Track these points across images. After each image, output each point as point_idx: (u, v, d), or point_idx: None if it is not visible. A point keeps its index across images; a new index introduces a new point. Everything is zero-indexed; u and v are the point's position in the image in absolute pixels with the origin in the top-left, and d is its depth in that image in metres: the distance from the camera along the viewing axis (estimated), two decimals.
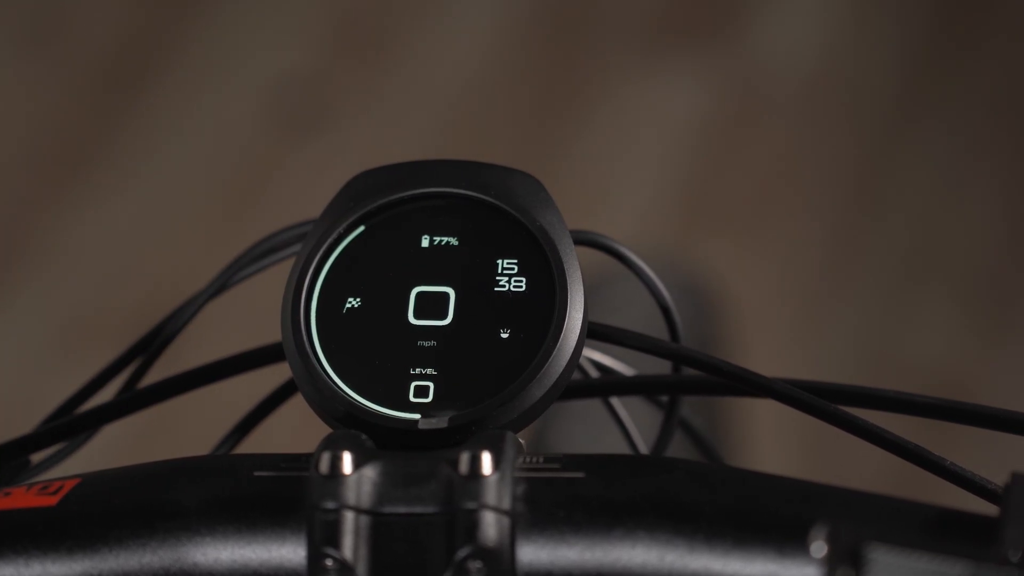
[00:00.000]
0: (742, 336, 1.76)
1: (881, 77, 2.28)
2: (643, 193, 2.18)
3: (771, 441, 1.82)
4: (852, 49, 2.31)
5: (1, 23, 2.32)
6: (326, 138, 2.21)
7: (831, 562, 0.53)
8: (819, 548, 0.54)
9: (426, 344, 0.63)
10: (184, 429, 1.73)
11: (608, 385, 0.74)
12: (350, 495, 0.58)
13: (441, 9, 2.33)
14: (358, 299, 0.64)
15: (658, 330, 0.72)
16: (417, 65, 2.29)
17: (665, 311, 0.73)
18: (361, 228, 0.65)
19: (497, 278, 0.64)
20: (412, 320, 0.64)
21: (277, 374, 0.72)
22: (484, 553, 0.58)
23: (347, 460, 0.59)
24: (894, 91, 2.27)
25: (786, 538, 0.57)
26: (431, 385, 0.62)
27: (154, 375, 0.72)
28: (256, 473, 0.60)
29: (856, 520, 0.57)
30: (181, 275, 2.06)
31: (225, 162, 2.21)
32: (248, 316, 1.72)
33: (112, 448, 1.23)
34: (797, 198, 2.18)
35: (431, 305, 0.64)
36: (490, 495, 0.58)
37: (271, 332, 0.68)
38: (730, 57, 2.28)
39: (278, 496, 0.59)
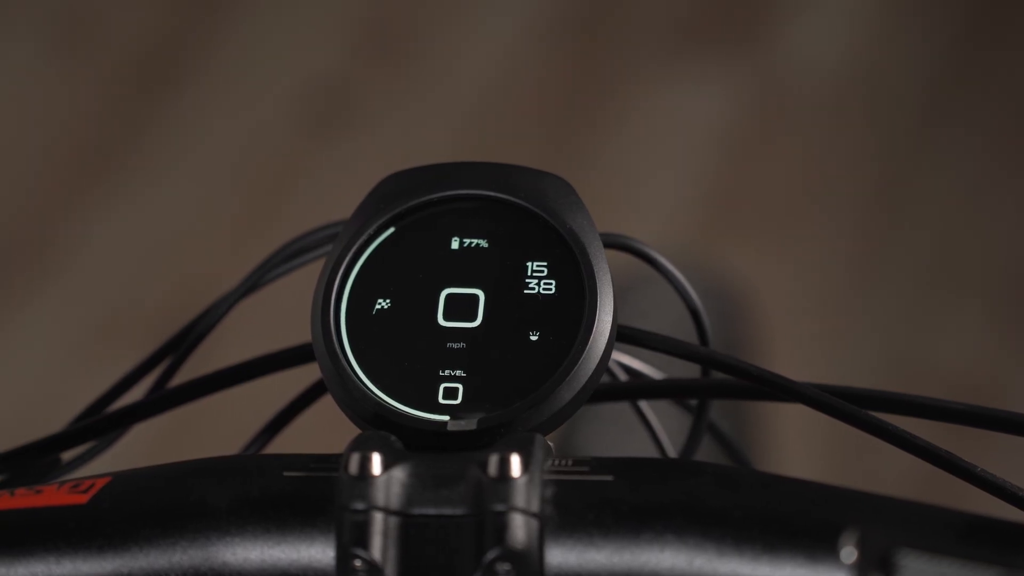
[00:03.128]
0: (766, 341, 1.76)
1: (908, 84, 2.28)
2: (668, 197, 2.18)
3: (797, 445, 1.81)
4: (879, 56, 2.30)
5: (34, 23, 2.32)
6: (353, 140, 2.22)
7: (862, 568, 0.53)
8: (849, 554, 0.54)
9: (455, 346, 0.63)
10: (212, 429, 1.73)
11: (637, 388, 0.74)
12: (379, 496, 0.58)
13: (468, 12, 2.33)
14: (388, 300, 0.64)
15: (685, 334, 0.72)
16: (443, 68, 2.29)
17: (695, 315, 0.73)
18: (391, 229, 0.65)
19: (527, 280, 0.64)
20: (442, 322, 0.64)
21: (307, 375, 0.72)
22: (513, 555, 0.58)
23: (376, 461, 0.59)
24: (921, 98, 2.27)
25: (816, 543, 0.57)
26: (460, 387, 0.62)
27: (183, 376, 0.73)
28: (286, 473, 0.60)
29: (887, 526, 0.57)
30: (209, 275, 2.06)
31: (253, 163, 2.21)
32: (276, 317, 1.72)
33: (141, 447, 1.23)
34: (823, 204, 2.17)
35: (461, 307, 0.64)
36: (519, 497, 0.58)
37: (298, 333, 0.68)
38: (756, 63, 2.28)
39: (307, 496, 0.59)
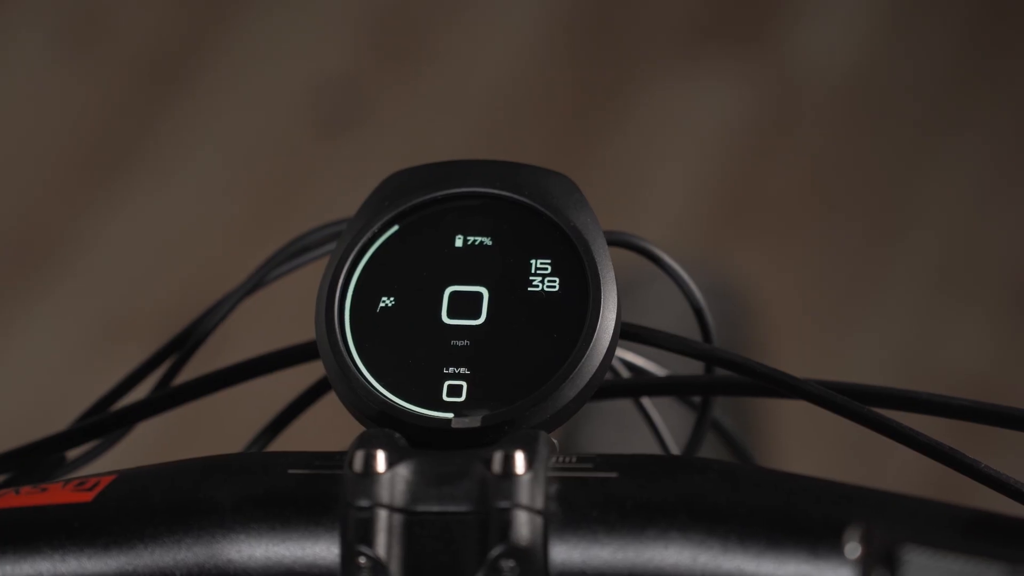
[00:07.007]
0: (771, 340, 1.76)
1: (917, 85, 2.28)
2: (675, 196, 2.18)
3: (801, 442, 1.81)
4: (888, 58, 2.30)
5: (43, 23, 2.32)
6: (361, 138, 2.22)
7: (866, 563, 0.53)
8: (854, 549, 0.54)
9: (459, 343, 0.63)
10: (215, 427, 1.73)
11: (640, 385, 0.74)
12: (384, 493, 0.58)
13: (477, 11, 2.33)
14: (392, 298, 0.64)
15: (687, 331, 0.72)
16: (452, 67, 2.29)
17: (698, 312, 0.73)
18: (395, 227, 0.66)
19: (531, 278, 0.64)
20: (446, 319, 0.64)
21: (310, 372, 0.72)
22: (517, 552, 0.58)
23: (381, 458, 0.59)
24: (930, 99, 2.27)
25: (820, 539, 0.57)
26: (464, 384, 0.62)
27: (187, 373, 0.73)
28: (290, 471, 0.60)
29: (891, 522, 0.57)
30: (215, 274, 2.06)
31: (260, 162, 2.21)
32: (281, 315, 1.72)
33: (144, 445, 1.23)
34: (830, 204, 2.17)
35: (465, 305, 0.64)
36: (523, 494, 0.58)
37: (303, 331, 0.68)
38: (766, 63, 2.28)
39: (312, 494, 0.60)
